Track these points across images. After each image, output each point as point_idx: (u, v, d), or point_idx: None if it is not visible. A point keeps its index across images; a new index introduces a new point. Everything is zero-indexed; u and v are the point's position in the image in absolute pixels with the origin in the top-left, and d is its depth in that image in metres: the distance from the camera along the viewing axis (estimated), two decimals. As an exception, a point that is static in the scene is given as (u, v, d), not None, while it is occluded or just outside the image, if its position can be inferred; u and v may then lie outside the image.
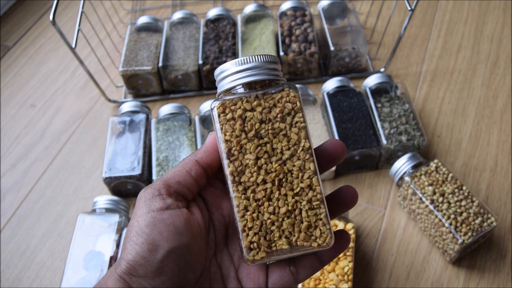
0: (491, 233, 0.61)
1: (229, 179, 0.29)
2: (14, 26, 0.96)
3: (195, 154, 0.31)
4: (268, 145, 0.29)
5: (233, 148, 0.29)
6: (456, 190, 0.58)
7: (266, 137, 0.29)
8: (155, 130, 0.68)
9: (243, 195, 0.29)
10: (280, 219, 0.29)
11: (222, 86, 0.30)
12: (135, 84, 0.79)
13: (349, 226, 0.59)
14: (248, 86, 0.30)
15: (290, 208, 0.29)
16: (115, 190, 0.67)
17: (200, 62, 0.76)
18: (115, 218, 0.59)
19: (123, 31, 0.92)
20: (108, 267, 0.55)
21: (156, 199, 0.29)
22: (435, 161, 0.61)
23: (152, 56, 0.78)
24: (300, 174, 0.29)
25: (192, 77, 0.78)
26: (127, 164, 0.65)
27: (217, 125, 0.29)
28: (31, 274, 0.62)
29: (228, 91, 0.30)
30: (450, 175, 0.59)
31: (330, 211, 0.30)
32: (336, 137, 0.65)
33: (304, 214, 0.29)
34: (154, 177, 0.63)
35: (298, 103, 0.30)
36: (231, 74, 0.30)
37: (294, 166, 0.29)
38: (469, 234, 0.55)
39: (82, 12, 0.70)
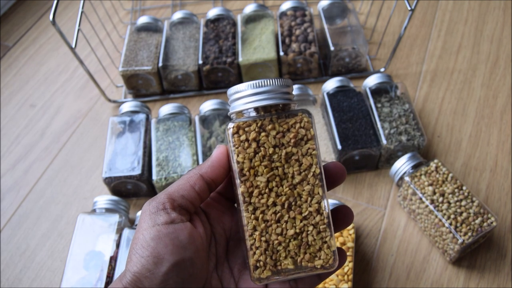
0: (491, 233, 0.61)
1: (240, 198, 0.30)
2: (14, 26, 0.96)
3: (199, 168, 0.31)
4: (280, 169, 0.30)
5: (245, 169, 0.30)
6: (456, 190, 0.58)
7: (278, 162, 0.30)
8: (155, 130, 0.68)
9: (252, 215, 0.30)
10: (287, 241, 0.30)
11: (235, 107, 0.31)
12: (135, 84, 0.79)
13: (349, 226, 0.59)
14: (263, 108, 0.30)
15: (297, 230, 0.30)
16: (115, 190, 0.67)
17: (200, 62, 0.76)
18: (115, 218, 0.59)
19: (123, 31, 0.92)
20: (108, 267, 0.55)
21: (161, 213, 0.30)
22: (435, 161, 0.61)
23: (152, 56, 0.78)
24: (309, 198, 0.30)
25: (192, 77, 0.78)
26: (127, 164, 0.65)
27: (231, 145, 0.30)
28: (31, 274, 0.62)
29: (240, 112, 0.31)
30: (450, 175, 0.59)
31: None
32: (336, 137, 0.65)
33: (310, 237, 0.30)
34: (154, 177, 0.64)
35: (311, 130, 0.30)
36: (245, 96, 0.30)
37: (303, 190, 0.30)
38: (469, 234, 0.55)
39: (82, 12, 0.70)
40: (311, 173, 0.30)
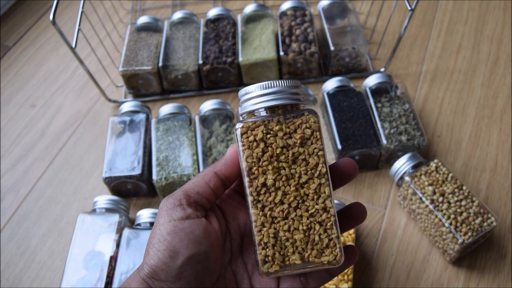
0: (491, 233, 0.61)
1: (249, 196, 0.31)
2: (14, 26, 0.96)
3: (214, 166, 0.33)
4: (287, 169, 0.31)
5: (254, 168, 0.31)
6: (456, 190, 0.58)
7: (285, 162, 0.31)
8: (155, 130, 0.68)
9: (261, 212, 0.31)
10: (295, 236, 0.31)
11: (245, 107, 0.32)
12: (135, 84, 0.79)
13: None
14: (271, 109, 0.31)
15: (304, 228, 0.31)
16: (115, 190, 0.67)
17: (200, 62, 0.76)
18: (115, 218, 0.59)
19: (123, 31, 0.92)
20: (108, 267, 0.55)
21: (177, 209, 0.31)
22: (435, 161, 0.61)
23: (152, 56, 0.78)
24: (316, 196, 0.31)
25: (192, 77, 0.78)
26: (127, 164, 0.65)
27: (239, 145, 0.31)
28: (31, 274, 0.62)
29: (251, 112, 0.32)
30: (450, 175, 0.59)
31: (340, 226, 0.32)
32: (336, 137, 0.65)
33: (317, 235, 0.31)
34: (154, 177, 0.63)
35: (317, 130, 0.31)
36: (255, 96, 0.31)
37: (310, 189, 0.31)
38: (469, 234, 0.55)
39: (82, 12, 0.70)
40: (318, 172, 0.31)
